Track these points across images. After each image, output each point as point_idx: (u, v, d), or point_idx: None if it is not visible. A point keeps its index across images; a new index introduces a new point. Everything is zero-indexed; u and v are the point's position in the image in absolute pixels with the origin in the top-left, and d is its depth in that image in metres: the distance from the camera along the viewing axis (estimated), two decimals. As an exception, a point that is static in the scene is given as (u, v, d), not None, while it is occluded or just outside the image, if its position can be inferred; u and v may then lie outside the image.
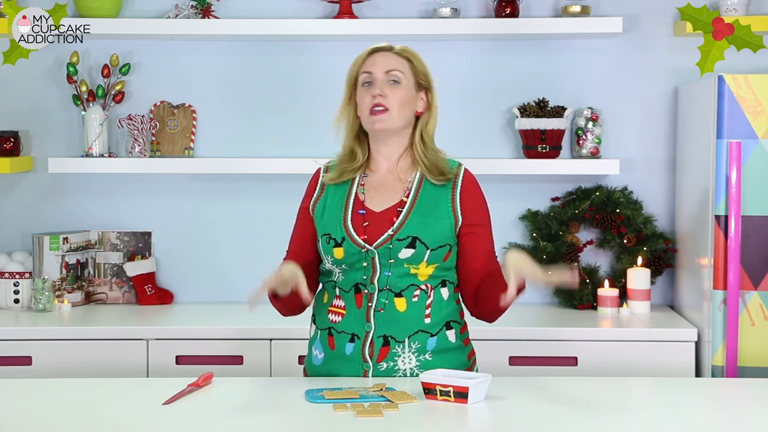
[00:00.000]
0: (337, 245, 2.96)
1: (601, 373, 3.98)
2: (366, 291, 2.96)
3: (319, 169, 3.11)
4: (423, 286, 2.97)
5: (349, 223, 2.97)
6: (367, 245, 2.94)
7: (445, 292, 3.00)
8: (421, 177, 3.02)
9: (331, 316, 3.01)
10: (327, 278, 3.04)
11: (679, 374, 3.99)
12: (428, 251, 2.95)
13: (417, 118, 3.04)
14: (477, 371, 3.08)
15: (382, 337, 2.96)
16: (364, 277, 2.96)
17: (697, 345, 4.05)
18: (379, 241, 2.95)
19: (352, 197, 3.02)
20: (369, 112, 2.97)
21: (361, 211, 2.99)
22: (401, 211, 2.97)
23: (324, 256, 3.01)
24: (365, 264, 2.95)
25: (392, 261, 2.94)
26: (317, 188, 3.07)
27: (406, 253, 2.94)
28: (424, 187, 3.01)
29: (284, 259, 3.09)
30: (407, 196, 2.99)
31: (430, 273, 2.97)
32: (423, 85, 3.03)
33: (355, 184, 3.03)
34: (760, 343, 3.89)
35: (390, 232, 2.95)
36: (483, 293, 2.98)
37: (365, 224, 2.97)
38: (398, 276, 2.95)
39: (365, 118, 2.99)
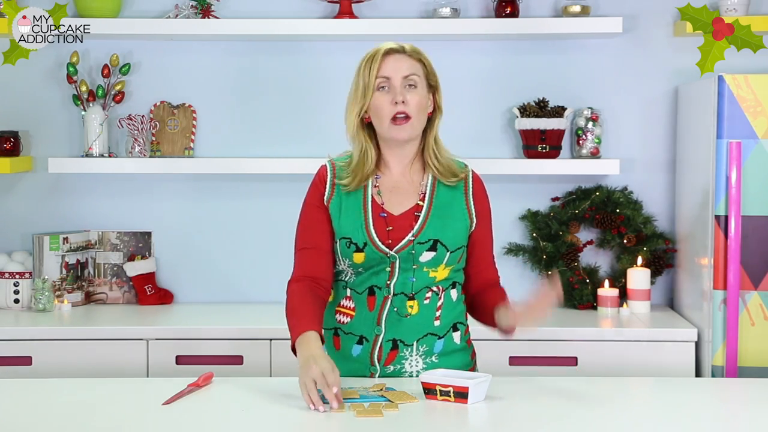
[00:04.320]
0: (358, 250, 2.91)
1: (601, 373, 3.98)
2: (382, 293, 2.93)
3: (324, 167, 3.00)
4: (435, 288, 2.96)
5: (372, 227, 2.92)
6: (389, 250, 2.91)
7: (454, 293, 3.00)
8: (434, 180, 2.98)
9: (339, 317, 2.99)
10: (336, 278, 3.00)
11: (679, 374, 3.99)
12: (448, 253, 2.93)
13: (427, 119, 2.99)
14: (478, 371, 3.09)
15: (391, 341, 2.95)
16: (386, 281, 2.92)
17: (697, 345, 4.05)
18: (400, 245, 2.91)
19: (369, 200, 2.94)
20: (391, 120, 2.89)
21: (382, 214, 2.93)
22: (419, 216, 2.94)
23: (341, 258, 2.95)
24: (387, 268, 2.92)
25: (416, 267, 2.91)
26: (327, 186, 2.97)
27: (427, 256, 2.92)
28: (438, 189, 2.97)
29: (301, 251, 2.95)
30: (422, 200, 2.96)
31: (445, 276, 2.96)
32: (433, 86, 2.97)
33: (369, 186, 2.96)
34: (760, 343, 3.89)
35: (410, 236, 2.91)
36: (480, 305, 3.03)
37: (389, 228, 2.92)
38: (418, 279, 2.93)
39: (386, 127, 2.89)
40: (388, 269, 2.92)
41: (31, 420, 2.68)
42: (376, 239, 2.91)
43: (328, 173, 2.99)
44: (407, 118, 2.89)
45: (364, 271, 2.94)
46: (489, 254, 3.05)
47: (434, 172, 2.97)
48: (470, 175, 3.01)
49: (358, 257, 2.92)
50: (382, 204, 2.94)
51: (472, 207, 2.98)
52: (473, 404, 2.73)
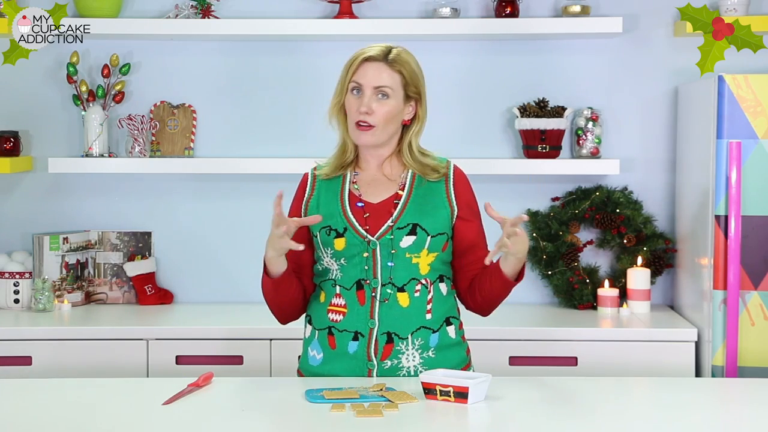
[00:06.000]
0: (339, 236, 2.97)
1: (601, 373, 3.98)
2: (369, 283, 2.96)
3: (306, 174, 3.11)
4: (423, 281, 2.98)
5: (350, 213, 2.99)
6: (369, 236, 2.96)
7: (443, 287, 3.03)
8: (414, 174, 3.04)
9: (331, 315, 3.01)
10: (323, 277, 3.04)
11: (679, 374, 3.99)
12: (429, 238, 2.97)
13: (405, 125, 3.05)
14: (473, 369, 3.09)
15: (385, 334, 2.97)
16: (366, 267, 2.96)
17: (697, 345, 4.05)
18: (380, 232, 2.96)
19: (347, 192, 3.03)
20: (355, 125, 2.98)
21: (359, 204, 3.00)
22: (398, 203, 3.00)
23: (323, 249, 3.00)
24: (366, 255, 2.96)
25: (394, 251, 2.96)
26: (308, 188, 3.08)
27: (407, 241, 2.96)
28: (418, 181, 3.03)
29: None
30: (402, 190, 3.02)
31: (430, 262, 2.98)
32: (412, 96, 3.02)
33: (347, 182, 3.04)
34: (760, 343, 3.89)
35: (390, 222, 2.97)
36: (477, 282, 3.02)
37: (366, 215, 2.99)
38: (400, 267, 2.96)
39: (351, 130, 3.00)
40: (370, 257, 2.96)
41: (31, 420, 2.68)
42: (356, 223, 2.97)
43: (309, 176, 3.10)
44: (370, 126, 2.96)
45: (347, 262, 2.97)
46: (482, 248, 3.05)
47: (413, 170, 3.04)
48: (452, 168, 3.07)
49: (339, 243, 2.97)
50: (360, 195, 3.02)
51: (453, 196, 3.03)
52: (473, 404, 2.73)
